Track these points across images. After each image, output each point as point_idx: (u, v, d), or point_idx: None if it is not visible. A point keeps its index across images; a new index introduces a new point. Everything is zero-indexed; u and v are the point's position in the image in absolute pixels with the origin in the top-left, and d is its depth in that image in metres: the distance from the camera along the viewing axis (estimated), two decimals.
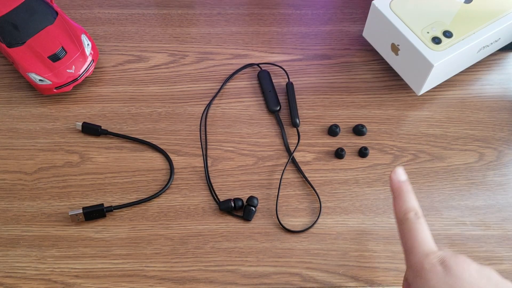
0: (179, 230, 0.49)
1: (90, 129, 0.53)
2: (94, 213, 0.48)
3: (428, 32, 0.51)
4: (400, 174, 0.41)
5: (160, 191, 0.50)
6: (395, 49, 0.54)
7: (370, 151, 0.53)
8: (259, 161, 0.52)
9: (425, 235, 0.38)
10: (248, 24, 0.62)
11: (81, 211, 0.48)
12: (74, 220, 0.48)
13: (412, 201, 0.40)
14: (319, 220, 0.49)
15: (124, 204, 0.49)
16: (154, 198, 0.50)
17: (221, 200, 0.50)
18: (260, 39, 0.61)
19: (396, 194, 0.41)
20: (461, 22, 0.52)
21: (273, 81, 0.57)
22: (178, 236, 0.48)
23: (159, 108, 0.55)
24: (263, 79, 0.57)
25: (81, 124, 0.53)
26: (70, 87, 0.54)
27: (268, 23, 0.62)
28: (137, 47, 0.60)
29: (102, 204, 0.48)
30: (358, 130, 0.54)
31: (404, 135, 0.54)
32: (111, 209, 0.49)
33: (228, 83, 0.57)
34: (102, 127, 0.53)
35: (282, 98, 0.56)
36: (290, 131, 0.55)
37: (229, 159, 0.53)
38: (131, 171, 0.52)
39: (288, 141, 0.54)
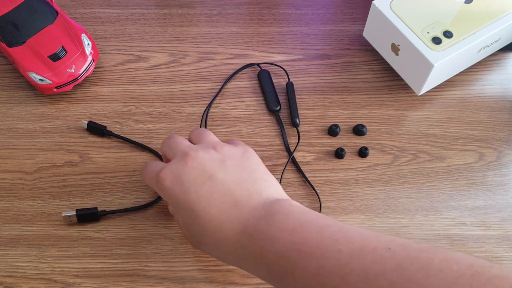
0: (179, 229, 0.49)
1: (95, 129, 0.53)
2: (87, 216, 0.48)
3: (428, 32, 0.51)
4: None
5: (156, 200, 0.50)
6: (395, 49, 0.54)
7: (370, 151, 0.53)
8: None
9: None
10: (249, 24, 0.62)
11: (74, 213, 0.48)
12: (66, 221, 0.48)
13: None
14: None
15: (118, 210, 0.49)
16: (149, 206, 0.50)
17: None
18: (260, 39, 0.61)
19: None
20: (461, 22, 0.52)
21: (273, 81, 0.57)
22: (178, 235, 0.48)
23: (159, 108, 0.55)
24: (263, 79, 0.57)
25: (86, 122, 0.53)
26: (70, 86, 0.54)
27: (268, 23, 0.62)
28: (137, 46, 0.60)
29: (96, 208, 0.48)
30: (358, 130, 0.54)
31: (404, 135, 0.54)
32: (104, 213, 0.48)
33: (228, 83, 0.57)
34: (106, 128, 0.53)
35: (282, 98, 0.56)
36: (290, 131, 0.55)
37: None
38: (131, 170, 0.52)
39: (288, 141, 0.54)
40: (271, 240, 0.35)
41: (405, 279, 0.29)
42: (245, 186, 0.38)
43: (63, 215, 0.48)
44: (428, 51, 0.50)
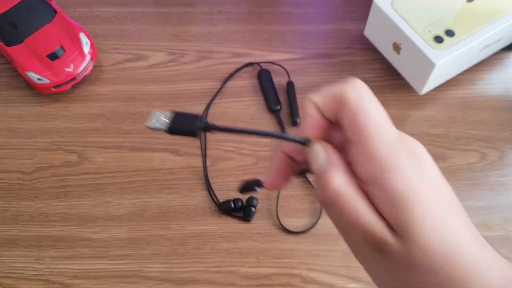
0: (178, 230, 0.48)
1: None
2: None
3: (430, 31, 0.51)
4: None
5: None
6: (396, 48, 0.53)
7: None
8: (259, 161, 0.52)
9: (380, 115, 0.25)
10: (249, 22, 0.61)
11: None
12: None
13: None
14: (320, 220, 0.49)
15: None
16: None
17: (221, 200, 0.49)
18: (261, 37, 0.60)
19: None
20: (463, 21, 0.52)
21: (274, 80, 0.57)
22: (177, 236, 0.48)
23: (158, 107, 0.55)
24: (264, 78, 0.56)
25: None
26: (69, 86, 0.54)
27: (268, 21, 0.62)
28: (136, 45, 0.59)
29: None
30: None
31: None
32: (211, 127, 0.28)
33: (228, 82, 0.57)
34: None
35: (282, 98, 0.56)
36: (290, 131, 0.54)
37: (229, 159, 0.52)
38: (130, 171, 0.51)
39: None
40: None
41: None
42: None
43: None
44: (430, 50, 0.50)
